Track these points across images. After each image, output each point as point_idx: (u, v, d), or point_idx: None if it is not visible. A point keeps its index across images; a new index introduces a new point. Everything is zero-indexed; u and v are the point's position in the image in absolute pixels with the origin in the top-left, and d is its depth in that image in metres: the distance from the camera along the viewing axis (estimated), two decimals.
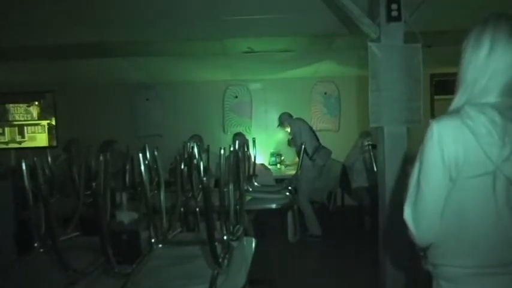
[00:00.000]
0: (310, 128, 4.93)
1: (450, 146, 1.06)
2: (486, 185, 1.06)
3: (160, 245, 1.85)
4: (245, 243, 2.01)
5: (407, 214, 1.12)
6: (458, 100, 1.15)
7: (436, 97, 6.08)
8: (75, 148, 4.09)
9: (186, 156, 2.44)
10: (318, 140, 4.83)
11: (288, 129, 5.06)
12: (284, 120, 5.13)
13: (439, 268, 1.14)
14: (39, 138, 6.25)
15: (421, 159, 1.10)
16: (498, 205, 1.06)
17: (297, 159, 5.02)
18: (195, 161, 2.34)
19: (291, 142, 5.16)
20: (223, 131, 6.32)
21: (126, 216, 2.11)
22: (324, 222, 4.80)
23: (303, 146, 3.98)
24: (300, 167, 3.97)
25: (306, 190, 4.64)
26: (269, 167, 5.37)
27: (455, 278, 1.11)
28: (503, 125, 1.04)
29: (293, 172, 4.61)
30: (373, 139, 4.38)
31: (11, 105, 6.22)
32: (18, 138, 6.23)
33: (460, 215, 1.09)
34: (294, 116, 5.11)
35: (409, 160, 2.57)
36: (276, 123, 5.33)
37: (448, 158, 1.06)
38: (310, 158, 4.57)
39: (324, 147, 4.78)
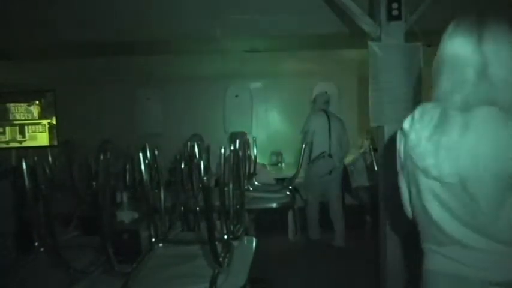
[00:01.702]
0: (329, 130, 4.48)
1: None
2: None
3: (160, 244, 1.86)
4: (245, 242, 2.01)
5: None
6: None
7: None
8: (72, 148, 4.08)
9: (186, 155, 2.44)
10: (329, 146, 4.44)
11: None
12: (314, 102, 4.75)
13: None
14: (40, 137, 6.25)
15: None
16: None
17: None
18: (195, 160, 2.34)
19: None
20: (224, 130, 6.32)
21: (126, 216, 2.11)
22: (325, 222, 4.80)
23: (304, 147, 3.83)
24: (300, 167, 3.84)
25: (309, 195, 4.58)
26: (269, 167, 5.32)
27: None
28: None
29: (293, 172, 4.53)
30: (374, 140, 4.37)
31: (11, 104, 6.23)
32: (18, 137, 6.24)
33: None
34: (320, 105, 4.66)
35: None
36: (276, 122, 5.24)
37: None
38: (308, 163, 4.31)
39: (324, 158, 4.39)
